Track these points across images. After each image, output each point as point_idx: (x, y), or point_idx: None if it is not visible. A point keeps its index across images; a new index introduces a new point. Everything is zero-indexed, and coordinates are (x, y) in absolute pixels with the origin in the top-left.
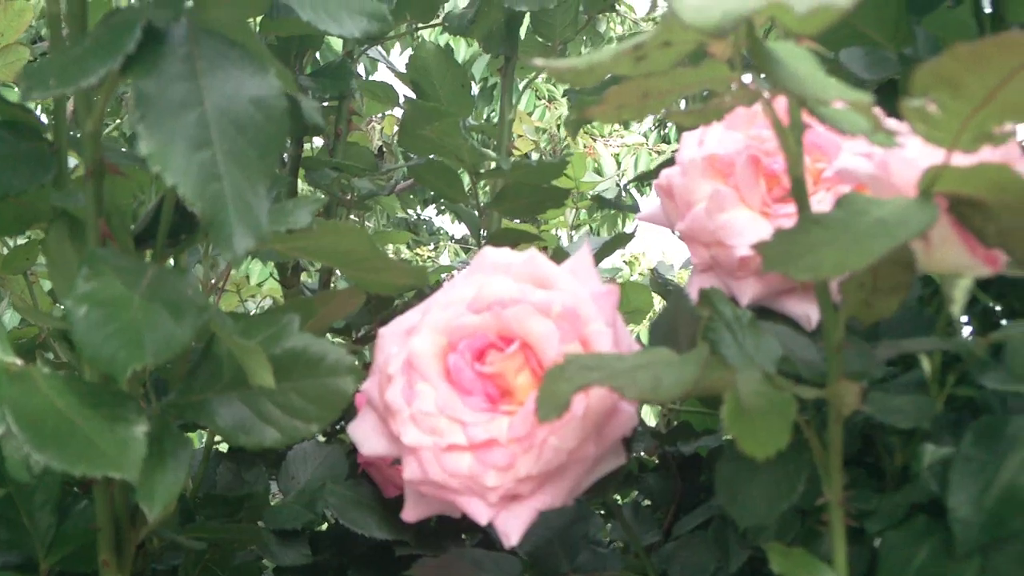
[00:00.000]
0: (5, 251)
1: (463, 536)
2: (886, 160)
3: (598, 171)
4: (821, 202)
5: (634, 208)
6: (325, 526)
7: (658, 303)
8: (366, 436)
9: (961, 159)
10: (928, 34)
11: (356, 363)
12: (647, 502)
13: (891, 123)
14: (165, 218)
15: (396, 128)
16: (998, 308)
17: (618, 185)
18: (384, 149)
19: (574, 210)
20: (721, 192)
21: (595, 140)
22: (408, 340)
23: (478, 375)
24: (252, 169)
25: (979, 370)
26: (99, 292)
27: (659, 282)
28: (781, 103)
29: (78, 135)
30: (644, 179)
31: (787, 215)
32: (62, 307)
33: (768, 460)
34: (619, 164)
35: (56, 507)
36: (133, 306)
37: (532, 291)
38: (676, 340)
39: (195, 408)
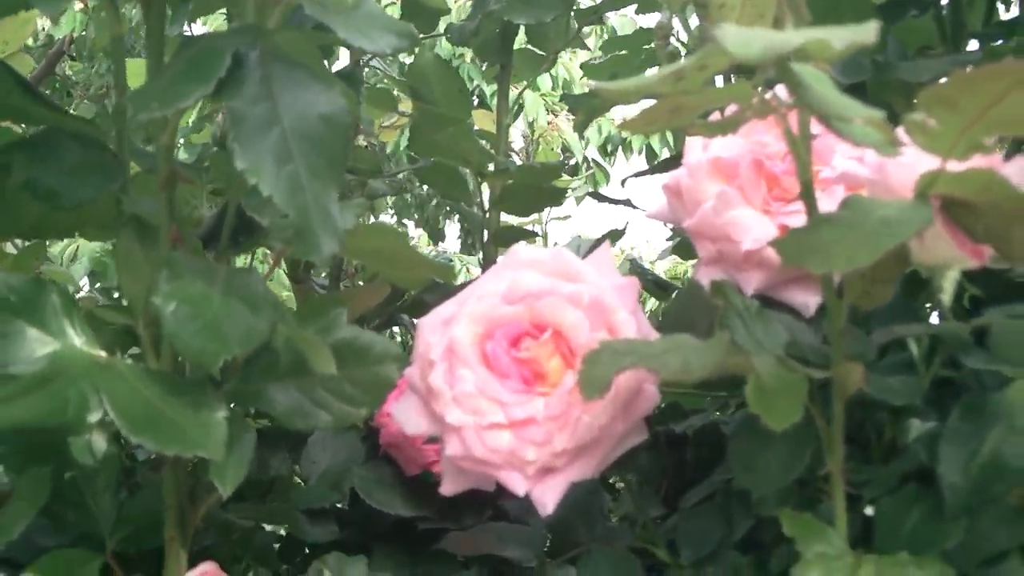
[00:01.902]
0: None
1: (481, 510)
2: (884, 164)
3: (565, 147)
4: (819, 201)
5: (630, 204)
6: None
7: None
8: (409, 417)
9: (953, 165)
10: (896, 42)
11: (400, 351)
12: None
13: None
14: (228, 223)
15: (381, 126)
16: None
17: (585, 159)
18: (371, 147)
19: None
20: (727, 192)
21: (556, 116)
22: (447, 329)
23: (514, 360)
24: (326, 180)
25: (963, 352)
26: (182, 290)
27: (636, 272)
28: (791, 115)
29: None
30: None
31: (786, 213)
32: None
33: (779, 434)
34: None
35: (117, 489)
36: (215, 303)
37: (562, 284)
38: (692, 327)
39: (254, 396)
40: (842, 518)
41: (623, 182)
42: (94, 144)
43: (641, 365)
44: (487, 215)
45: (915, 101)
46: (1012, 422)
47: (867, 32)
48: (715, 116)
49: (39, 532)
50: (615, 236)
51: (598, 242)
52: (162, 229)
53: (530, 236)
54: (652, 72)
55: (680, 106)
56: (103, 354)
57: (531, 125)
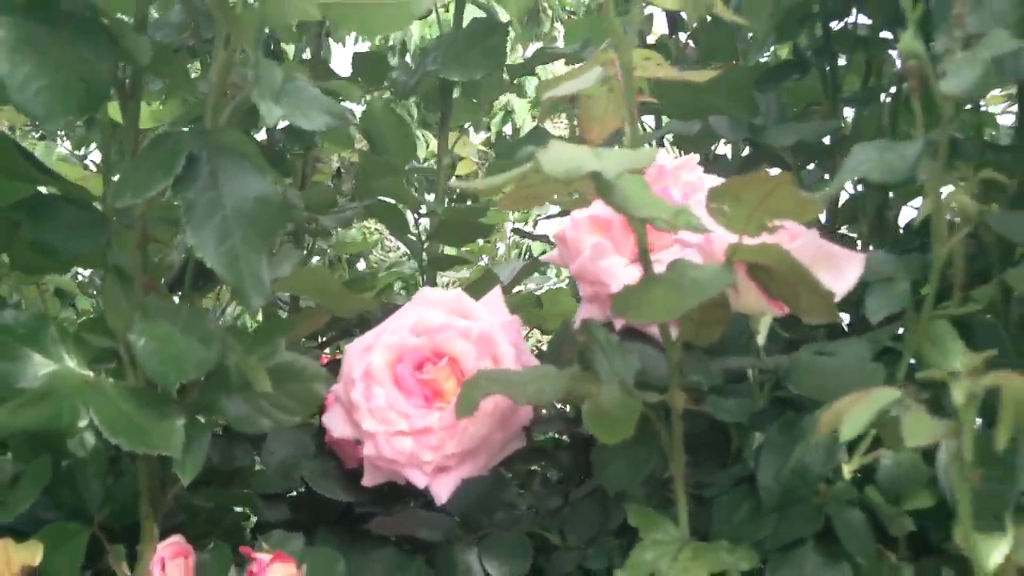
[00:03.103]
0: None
1: (408, 499)
2: (708, 235)
3: None
4: (675, 253)
5: (547, 239)
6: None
7: None
8: (335, 423)
9: (748, 240)
10: (772, 105)
11: (327, 373)
12: (559, 475)
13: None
14: (190, 273)
15: (350, 153)
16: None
17: None
18: (342, 170)
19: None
20: (601, 244)
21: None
22: (366, 355)
23: (418, 381)
24: (257, 250)
25: (785, 379)
26: (151, 330)
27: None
28: None
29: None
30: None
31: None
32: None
33: (626, 443)
34: None
35: (103, 476)
36: (176, 340)
37: (457, 320)
38: (560, 358)
39: (211, 405)
40: (683, 512)
41: (535, 223)
42: (84, 206)
43: (505, 391)
44: (425, 245)
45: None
46: (812, 437)
47: (644, 158)
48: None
49: (41, 508)
50: (538, 265)
51: (526, 267)
52: (136, 278)
53: (463, 262)
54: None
55: (533, 194)
56: (91, 374)
57: (518, 132)
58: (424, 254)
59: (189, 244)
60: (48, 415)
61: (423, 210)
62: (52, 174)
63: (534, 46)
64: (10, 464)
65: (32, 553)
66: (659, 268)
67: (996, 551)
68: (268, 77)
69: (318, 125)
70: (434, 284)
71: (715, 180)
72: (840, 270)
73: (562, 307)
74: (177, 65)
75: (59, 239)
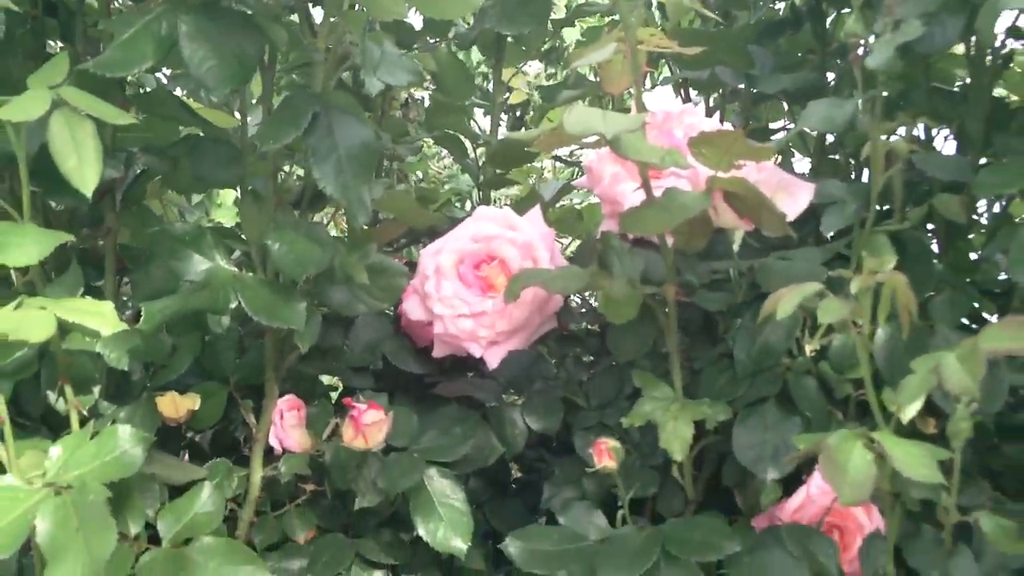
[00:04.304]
0: None
1: (466, 371)
2: (695, 170)
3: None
4: (676, 180)
5: (579, 164)
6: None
7: None
8: (413, 308)
9: (722, 174)
10: (764, 58)
11: (407, 270)
12: (590, 358)
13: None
14: (307, 195)
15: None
16: None
17: None
18: (409, 100)
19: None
20: (618, 172)
21: None
22: (437, 257)
23: (476, 277)
24: (362, 181)
25: (758, 277)
26: (282, 236)
27: None
28: None
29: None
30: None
31: (656, 188)
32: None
33: (633, 325)
34: None
35: (236, 348)
36: (300, 244)
37: (507, 231)
38: (585, 261)
39: (321, 294)
40: (677, 378)
41: (571, 153)
42: (225, 143)
43: (541, 284)
44: (481, 168)
45: (690, 142)
46: (774, 319)
47: (636, 121)
48: None
49: (190, 374)
50: (569, 189)
51: (563, 188)
52: (269, 198)
53: (512, 183)
54: (541, 128)
55: (563, 139)
56: (236, 270)
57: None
58: (480, 175)
59: (313, 177)
60: (208, 299)
61: (480, 141)
62: (200, 118)
63: None
64: (169, 339)
65: (193, 401)
66: (660, 192)
67: (889, 401)
68: (371, 56)
69: (402, 81)
70: (488, 201)
71: (712, 123)
72: (795, 196)
73: (597, 218)
74: (295, 39)
75: (209, 170)
